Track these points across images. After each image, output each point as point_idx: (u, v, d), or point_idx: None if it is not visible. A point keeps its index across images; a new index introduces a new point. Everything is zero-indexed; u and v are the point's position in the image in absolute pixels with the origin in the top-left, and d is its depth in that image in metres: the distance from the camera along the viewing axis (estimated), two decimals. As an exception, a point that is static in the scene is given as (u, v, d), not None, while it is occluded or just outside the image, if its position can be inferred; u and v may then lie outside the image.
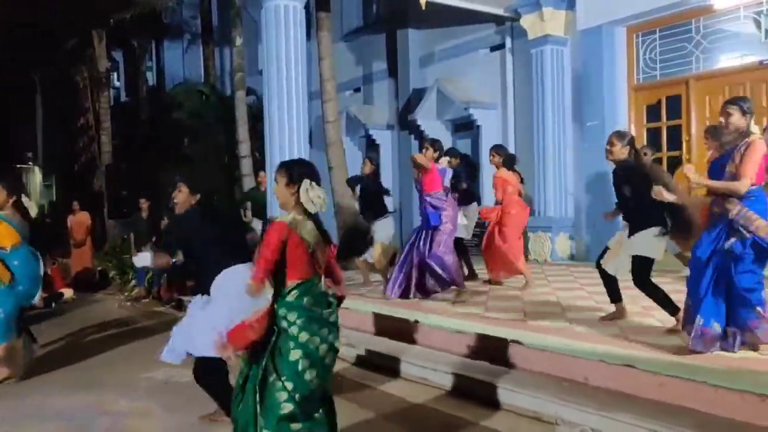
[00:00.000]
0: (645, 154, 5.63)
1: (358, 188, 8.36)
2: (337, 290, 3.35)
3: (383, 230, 7.85)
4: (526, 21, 10.38)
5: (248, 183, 12.75)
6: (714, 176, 4.34)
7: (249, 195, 11.06)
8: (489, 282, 7.75)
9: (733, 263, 4.14)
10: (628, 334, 4.89)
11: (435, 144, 6.93)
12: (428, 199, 6.64)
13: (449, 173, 7.09)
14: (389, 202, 8.90)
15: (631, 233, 4.96)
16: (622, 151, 4.99)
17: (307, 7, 9.51)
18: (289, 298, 3.08)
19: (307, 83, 9.22)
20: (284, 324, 3.06)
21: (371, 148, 13.92)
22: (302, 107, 9.02)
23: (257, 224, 9.69)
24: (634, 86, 9.83)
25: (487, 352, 5.12)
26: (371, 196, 8.09)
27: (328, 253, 3.30)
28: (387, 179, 12.40)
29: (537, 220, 10.39)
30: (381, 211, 7.99)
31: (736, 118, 4.25)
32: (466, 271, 7.75)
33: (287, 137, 9.01)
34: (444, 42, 12.42)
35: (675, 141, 9.39)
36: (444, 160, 7.05)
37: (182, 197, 4.46)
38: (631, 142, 5.09)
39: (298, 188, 3.12)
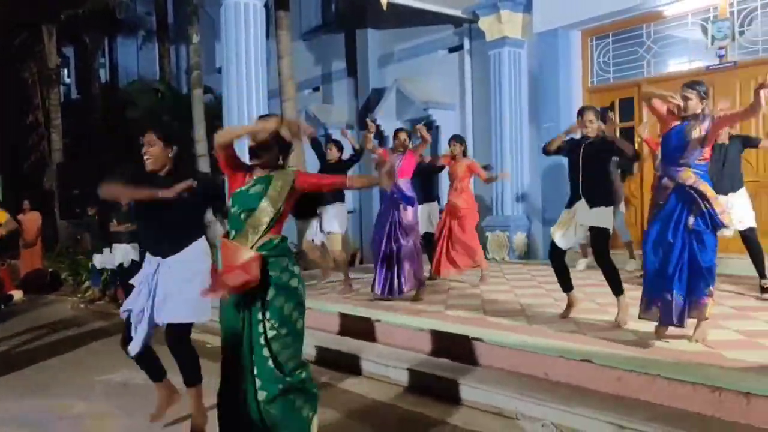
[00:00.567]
0: (611, 119, 5.90)
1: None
2: None
3: (336, 219, 7.74)
4: (484, 23, 10.51)
5: (205, 182, 12.55)
6: (674, 143, 4.51)
7: None
8: (431, 278, 7.72)
9: (696, 240, 4.36)
10: (585, 331, 5.02)
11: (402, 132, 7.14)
12: (401, 184, 6.64)
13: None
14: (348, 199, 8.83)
15: (592, 207, 5.12)
16: (600, 127, 5.25)
17: (266, 5, 9.44)
18: (284, 247, 3.26)
19: (267, 82, 9.16)
20: (286, 277, 3.18)
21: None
22: (262, 106, 8.93)
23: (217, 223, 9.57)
24: (589, 88, 10.06)
25: (448, 349, 5.17)
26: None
27: None
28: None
29: (495, 219, 10.55)
30: (337, 197, 7.80)
31: (694, 103, 4.46)
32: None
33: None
34: (403, 42, 12.47)
35: (628, 142, 9.61)
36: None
37: (156, 151, 3.90)
38: (603, 119, 5.39)
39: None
